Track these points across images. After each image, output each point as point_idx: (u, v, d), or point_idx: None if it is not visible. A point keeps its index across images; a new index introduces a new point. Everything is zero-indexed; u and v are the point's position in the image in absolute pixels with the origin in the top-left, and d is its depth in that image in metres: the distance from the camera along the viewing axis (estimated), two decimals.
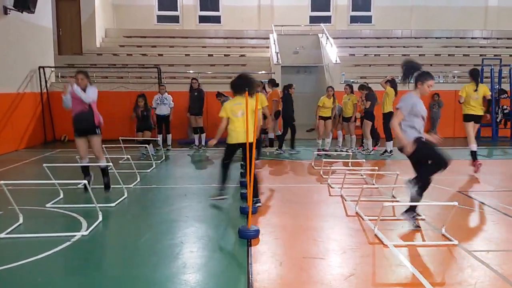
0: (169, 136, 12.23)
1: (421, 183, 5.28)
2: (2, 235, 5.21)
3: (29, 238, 5.15)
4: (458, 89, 14.94)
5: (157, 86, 13.86)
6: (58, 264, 4.52)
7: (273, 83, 11.97)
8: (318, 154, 10.44)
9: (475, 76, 9.29)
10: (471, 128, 9.31)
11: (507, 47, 18.78)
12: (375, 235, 5.18)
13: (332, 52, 16.02)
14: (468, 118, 9.26)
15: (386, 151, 11.32)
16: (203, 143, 12.45)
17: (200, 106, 12.36)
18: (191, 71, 15.73)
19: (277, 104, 11.68)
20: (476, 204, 6.72)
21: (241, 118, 6.22)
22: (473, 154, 9.25)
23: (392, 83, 11.25)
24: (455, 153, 12.06)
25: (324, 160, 9.29)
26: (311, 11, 20.71)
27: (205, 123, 14.36)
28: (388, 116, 11.24)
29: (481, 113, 9.25)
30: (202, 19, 20.73)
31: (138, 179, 8.21)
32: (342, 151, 11.39)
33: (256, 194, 6.14)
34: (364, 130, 11.54)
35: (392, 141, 11.28)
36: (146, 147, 10.40)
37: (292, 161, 10.51)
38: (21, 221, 5.63)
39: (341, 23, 20.66)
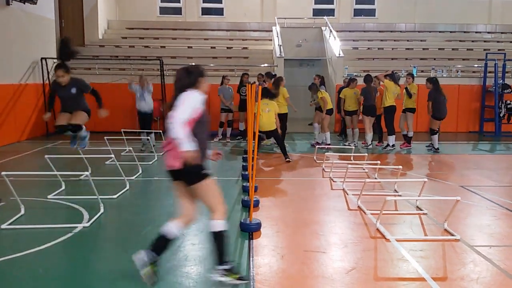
0: (152, 137, 10.51)
1: None
2: (4, 226, 5.21)
3: (31, 229, 5.16)
4: (461, 84, 15.04)
5: (160, 78, 13.83)
6: (59, 255, 4.53)
7: (269, 75, 11.93)
8: (320, 148, 10.41)
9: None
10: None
11: (511, 42, 18.67)
12: (377, 229, 5.17)
13: (335, 45, 15.94)
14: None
15: (388, 145, 11.29)
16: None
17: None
18: (193, 63, 15.63)
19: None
20: (479, 199, 6.70)
21: (267, 114, 9.44)
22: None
23: (391, 76, 11.18)
24: (458, 148, 12.04)
25: (326, 154, 9.28)
26: (315, 4, 20.58)
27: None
28: (388, 110, 11.21)
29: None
30: (205, 11, 20.64)
31: (140, 171, 8.20)
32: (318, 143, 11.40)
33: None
34: (364, 124, 11.48)
35: (394, 135, 11.26)
36: (148, 138, 10.34)
37: (294, 155, 10.48)
38: (22, 212, 5.64)
39: (344, 16, 20.55)
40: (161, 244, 3.83)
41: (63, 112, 6.84)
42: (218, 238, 3.75)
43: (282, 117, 10.74)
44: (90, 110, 6.91)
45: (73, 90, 6.68)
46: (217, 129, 12.58)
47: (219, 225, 3.79)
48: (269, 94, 9.85)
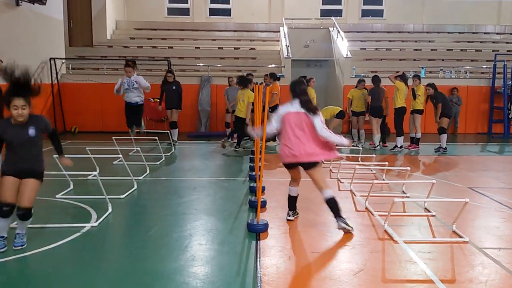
0: (142, 127, 10.32)
1: None
2: (13, 225, 5.23)
3: (39, 229, 5.18)
4: (470, 85, 14.96)
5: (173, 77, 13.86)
6: (67, 254, 4.54)
7: (273, 76, 11.93)
8: None
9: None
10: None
11: None
12: (385, 230, 5.15)
13: (343, 46, 15.91)
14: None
15: (396, 146, 11.24)
16: (175, 138, 11.57)
17: (178, 99, 11.66)
18: (201, 64, 15.71)
19: (276, 98, 11.68)
20: (487, 201, 6.65)
21: (242, 103, 10.50)
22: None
23: (402, 77, 11.14)
24: (466, 149, 11.96)
25: None
26: (322, 4, 20.57)
27: (213, 116, 14.38)
28: (399, 111, 11.16)
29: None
30: (212, 12, 20.68)
31: (148, 171, 8.22)
32: None
33: None
34: (371, 125, 11.45)
35: (402, 137, 11.21)
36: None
37: None
38: None
39: (352, 17, 20.51)
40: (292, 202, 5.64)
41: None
42: (332, 201, 5.20)
43: None
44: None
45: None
46: (225, 130, 12.59)
47: (330, 192, 5.27)
48: (243, 83, 10.76)
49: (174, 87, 11.59)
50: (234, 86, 12.26)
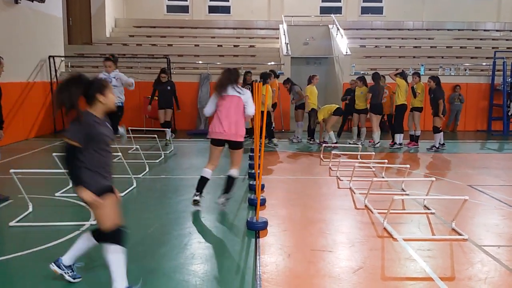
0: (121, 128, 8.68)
1: None
2: (12, 223, 5.25)
3: (39, 227, 5.18)
4: (469, 82, 14.95)
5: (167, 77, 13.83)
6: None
7: (273, 73, 11.95)
8: (326, 147, 10.39)
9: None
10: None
11: None
12: (384, 228, 5.15)
13: (342, 43, 15.90)
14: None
15: (395, 143, 11.24)
16: (167, 137, 11.21)
17: (171, 99, 11.26)
18: (200, 62, 15.69)
19: (275, 95, 11.67)
20: (487, 198, 6.65)
21: None
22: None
23: (402, 74, 11.13)
24: (465, 147, 11.96)
25: (333, 152, 9.26)
26: (322, 1, 20.55)
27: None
28: (400, 109, 11.15)
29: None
30: (212, 9, 20.66)
31: (147, 169, 8.22)
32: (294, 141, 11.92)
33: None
34: (371, 122, 11.44)
35: (402, 134, 11.21)
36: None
37: (301, 153, 10.47)
38: (30, 209, 5.67)
39: (352, 14, 20.49)
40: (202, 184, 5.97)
41: None
42: (230, 180, 5.88)
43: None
44: None
45: None
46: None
47: (236, 172, 5.92)
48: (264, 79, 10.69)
49: (169, 87, 11.24)
50: None
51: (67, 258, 3.76)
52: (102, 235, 3.46)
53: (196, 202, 5.95)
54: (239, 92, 5.82)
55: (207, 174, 5.95)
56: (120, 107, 8.51)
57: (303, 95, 11.79)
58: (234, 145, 5.86)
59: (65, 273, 3.74)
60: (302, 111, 11.96)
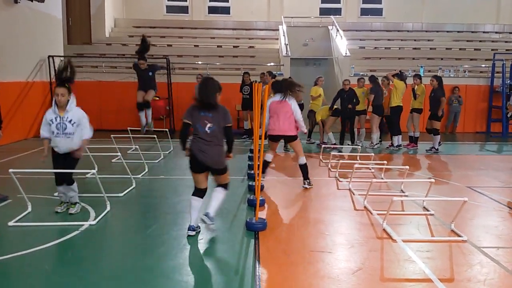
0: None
1: None
2: (11, 223, 5.24)
3: (38, 227, 5.18)
4: (469, 84, 14.97)
5: (166, 76, 13.83)
6: (66, 253, 4.54)
7: (271, 74, 11.95)
8: (325, 148, 10.39)
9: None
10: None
11: None
12: (384, 229, 5.15)
13: (342, 44, 15.91)
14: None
15: (392, 144, 11.25)
16: (149, 120, 10.39)
17: (153, 82, 10.38)
18: (199, 62, 15.69)
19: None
20: (486, 200, 6.66)
21: None
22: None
23: (400, 76, 11.12)
24: (464, 148, 11.98)
25: (332, 153, 9.25)
26: (321, 3, 20.56)
27: None
28: (395, 110, 11.15)
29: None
30: (211, 10, 20.66)
31: (146, 170, 8.22)
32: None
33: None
34: (371, 123, 11.44)
35: (400, 136, 11.21)
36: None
37: None
38: (29, 209, 5.66)
39: (351, 16, 20.50)
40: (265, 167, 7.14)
41: None
42: (304, 167, 7.13)
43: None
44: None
45: None
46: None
47: (304, 159, 7.15)
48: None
49: (150, 73, 10.35)
50: None
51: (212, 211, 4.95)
52: (222, 185, 5.08)
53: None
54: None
55: (269, 158, 7.28)
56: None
57: (302, 97, 11.77)
58: (290, 139, 7.22)
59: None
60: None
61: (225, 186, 5.07)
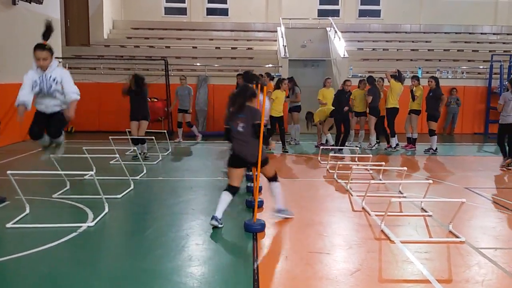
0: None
1: None
2: (9, 225, 5.23)
3: (36, 228, 5.17)
4: (467, 85, 14.99)
5: (164, 78, 13.83)
6: (64, 254, 4.53)
7: (269, 76, 11.97)
8: (324, 149, 10.40)
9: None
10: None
11: None
12: (382, 230, 5.15)
13: (340, 46, 15.93)
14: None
15: (390, 146, 11.27)
16: (144, 150, 9.60)
17: (145, 108, 9.59)
18: (198, 64, 15.70)
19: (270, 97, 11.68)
20: (484, 201, 6.67)
21: None
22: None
23: (398, 77, 11.12)
24: (462, 150, 12.00)
25: (331, 154, 9.26)
26: (320, 4, 20.57)
27: (210, 116, 14.35)
28: (391, 112, 11.16)
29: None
30: (210, 12, 20.66)
31: (145, 171, 8.21)
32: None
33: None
34: (368, 125, 11.45)
35: (396, 137, 11.22)
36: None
37: (298, 156, 10.48)
38: (27, 211, 5.65)
39: (349, 17, 20.53)
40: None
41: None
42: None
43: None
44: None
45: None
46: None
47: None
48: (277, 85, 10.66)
49: (142, 95, 9.48)
50: (184, 85, 12.22)
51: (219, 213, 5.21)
52: (271, 178, 5.50)
53: None
54: None
55: None
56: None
57: (300, 99, 11.83)
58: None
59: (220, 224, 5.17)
60: (297, 113, 11.99)
61: (274, 178, 5.52)
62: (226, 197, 5.27)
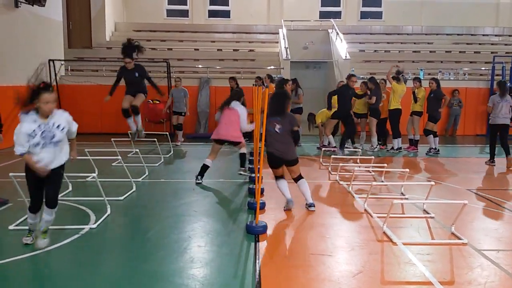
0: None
1: None
2: (11, 227, 5.24)
3: (38, 230, 5.16)
4: (468, 86, 14.97)
5: (166, 80, 13.85)
6: (66, 256, 4.54)
7: (270, 78, 11.95)
8: (326, 150, 10.39)
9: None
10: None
11: None
12: (384, 232, 5.15)
13: (341, 47, 15.93)
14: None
15: (392, 147, 11.26)
16: (139, 126, 9.21)
17: (142, 85, 9.22)
18: (200, 66, 15.72)
19: None
20: (486, 203, 6.66)
21: None
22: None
23: (399, 79, 11.10)
24: (464, 151, 11.97)
25: (333, 156, 9.26)
26: (321, 6, 20.59)
27: (212, 118, 14.34)
28: (393, 113, 11.15)
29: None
30: (212, 14, 20.69)
31: (147, 173, 8.22)
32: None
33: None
34: (369, 127, 11.44)
35: (400, 138, 11.22)
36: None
37: (300, 158, 10.45)
38: None
39: (351, 19, 20.53)
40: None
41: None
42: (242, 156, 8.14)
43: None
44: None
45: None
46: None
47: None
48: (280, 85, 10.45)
49: (137, 74, 9.19)
50: (179, 87, 12.18)
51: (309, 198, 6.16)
52: (299, 176, 6.17)
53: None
54: None
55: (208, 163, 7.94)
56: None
57: (302, 100, 11.82)
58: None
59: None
60: (298, 115, 11.97)
61: (301, 176, 6.18)
62: (284, 182, 6.14)
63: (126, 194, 6.75)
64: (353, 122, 10.95)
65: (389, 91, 11.27)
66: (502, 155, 9.51)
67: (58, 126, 4.48)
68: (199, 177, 7.64)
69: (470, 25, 19.99)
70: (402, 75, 11.41)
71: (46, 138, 4.42)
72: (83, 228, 5.19)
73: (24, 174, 4.54)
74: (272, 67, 15.60)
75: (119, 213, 5.97)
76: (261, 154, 5.79)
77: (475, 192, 7.24)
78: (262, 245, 4.80)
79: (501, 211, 6.22)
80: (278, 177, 6.15)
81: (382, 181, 7.73)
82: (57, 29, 14.21)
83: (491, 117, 9.62)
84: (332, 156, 9.31)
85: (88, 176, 7.27)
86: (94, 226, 5.30)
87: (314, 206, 6.09)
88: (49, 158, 4.49)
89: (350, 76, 10.76)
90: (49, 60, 13.49)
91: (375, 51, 18.13)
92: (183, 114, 12.15)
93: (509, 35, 19.74)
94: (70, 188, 6.94)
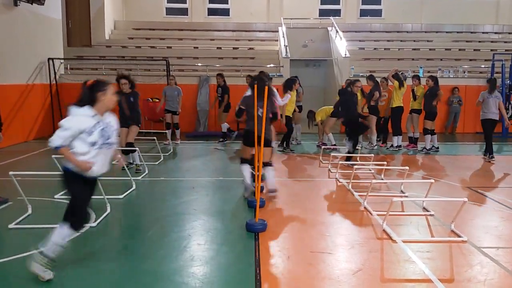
0: None
1: None
2: (11, 225, 5.25)
3: (38, 229, 5.17)
4: (468, 84, 14.97)
5: (166, 78, 13.85)
6: (66, 255, 4.53)
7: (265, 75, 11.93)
8: (325, 149, 10.39)
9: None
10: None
11: None
12: (384, 230, 5.15)
13: (341, 45, 15.92)
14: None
15: (392, 145, 11.26)
16: (137, 161, 8.52)
17: (136, 113, 8.46)
18: (199, 64, 15.71)
19: None
20: (486, 200, 6.66)
21: None
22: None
23: (397, 77, 11.10)
24: (464, 149, 11.97)
25: (332, 154, 9.26)
26: (321, 4, 20.57)
27: (211, 116, 14.34)
28: (396, 111, 11.16)
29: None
30: (211, 12, 20.68)
31: (146, 172, 8.22)
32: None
33: None
34: (370, 124, 11.42)
35: (400, 136, 11.22)
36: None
37: (300, 155, 10.47)
38: (30, 212, 5.67)
39: (350, 17, 20.52)
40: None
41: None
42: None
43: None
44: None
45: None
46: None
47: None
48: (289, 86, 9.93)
49: (132, 99, 8.36)
50: (173, 86, 12.14)
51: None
52: (265, 164, 6.29)
53: None
54: None
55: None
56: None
57: (302, 98, 11.83)
58: None
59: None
60: (298, 113, 11.97)
61: (270, 163, 6.46)
62: (248, 168, 6.46)
63: (126, 193, 6.75)
64: (361, 124, 10.08)
65: (391, 89, 11.26)
66: (501, 152, 9.51)
67: (112, 126, 4.02)
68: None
69: (469, 22, 19.98)
70: (402, 74, 11.40)
71: (103, 138, 3.86)
72: (83, 227, 5.18)
73: (23, 173, 4.48)
74: (272, 65, 15.59)
75: (119, 212, 5.98)
76: (261, 152, 5.79)
77: (475, 190, 7.24)
78: (262, 243, 4.80)
79: (501, 208, 6.23)
80: (244, 161, 6.47)
81: (382, 179, 7.73)
82: (56, 27, 14.19)
83: (482, 112, 9.91)
84: (332, 154, 9.28)
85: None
86: (94, 224, 5.31)
87: (275, 192, 6.41)
88: (101, 162, 3.91)
89: (354, 82, 9.83)
90: (49, 59, 13.47)
91: (374, 49, 18.12)
92: (177, 113, 12.04)
93: (509, 33, 19.73)
94: None
